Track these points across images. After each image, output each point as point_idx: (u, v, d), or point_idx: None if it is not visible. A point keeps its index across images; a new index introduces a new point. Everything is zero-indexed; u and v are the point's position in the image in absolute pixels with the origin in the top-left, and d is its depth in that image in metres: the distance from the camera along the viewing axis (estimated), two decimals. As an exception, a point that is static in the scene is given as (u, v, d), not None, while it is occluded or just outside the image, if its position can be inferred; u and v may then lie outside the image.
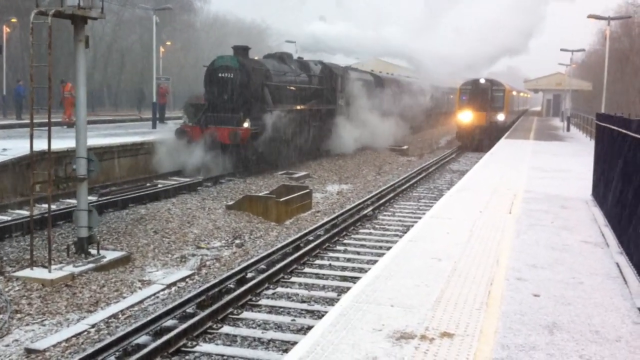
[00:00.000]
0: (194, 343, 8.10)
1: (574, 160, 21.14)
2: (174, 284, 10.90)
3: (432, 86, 53.73)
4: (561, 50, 45.73)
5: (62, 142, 17.77)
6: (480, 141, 35.77)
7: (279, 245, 12.59)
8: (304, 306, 9.59)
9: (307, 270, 11.56)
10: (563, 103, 56.28)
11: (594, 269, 7.80)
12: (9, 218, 14.27)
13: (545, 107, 72.31)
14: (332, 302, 9.53)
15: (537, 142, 29.77)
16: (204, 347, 8.05)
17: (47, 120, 11.29)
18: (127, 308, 9.62)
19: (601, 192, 11.82)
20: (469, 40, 36.97)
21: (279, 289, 10.40)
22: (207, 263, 12.27)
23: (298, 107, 25.91)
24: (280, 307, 9.52)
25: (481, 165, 19.77)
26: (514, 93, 47.97)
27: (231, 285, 10.23)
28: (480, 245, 8.89)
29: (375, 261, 9.34)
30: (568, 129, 40.51)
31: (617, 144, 9.86)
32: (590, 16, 31.43)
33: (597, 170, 12.86)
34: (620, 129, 9.51)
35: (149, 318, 8.50)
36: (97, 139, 21.27)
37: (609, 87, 33.53)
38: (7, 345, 8.24)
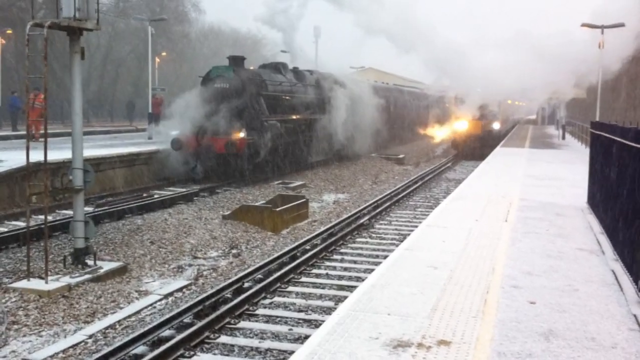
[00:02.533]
0: (192, 353, 8.11)
1: (569, 168, 21.20)
2: (170, 294, 10.90)
3: (431, 95, 53.79)
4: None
5: (59, 153, 17.78)
6: (476, 150, 35.86)
7: (276, 255, 12.62)
8: (301, 315, 9.61)
9: (304, 279, 11.58)
10: (558, 111, 56.42)
11: (589, 276, 7.83)
12: (6, 229, 14.25)
13: (540, 116, 72.44)
14: (329, 311, 9.55)
15: (532, 150, 29.85)
16: (202, 357, 8.06)
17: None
18: (124, 318, 9.62)
19: (596, 199, 11.86)
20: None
21: (276, 299, 10.41)
22: (204, 273, 12.28)
23: (293, 117, 25.98)
24: (278, 317, 9.53)
25: (477, 173, 19.82)
26: (509, 101, 48.12)
27: (228, 295, 10.24)
28: (476, 253, 8.92)
29: (372, 270, 9.36)
30: (563, 137, 40.62)
31: (611, 151, 9.91)
32: (583, 25, 31.55)
33: (592, 178, 12.91)
34: (614, 137, 9.57)
35: (146, 328, 8.52)
36: (93, 149, 21.28)
37: (603, 95, 33.60)
38: (5, 357, 8.23)
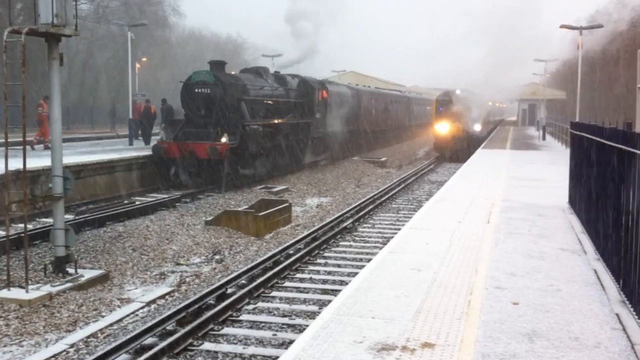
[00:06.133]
0: (175, 360, 8.04)
1: (550, 169, 21.34)
2: (153, 301, 10.80)
3: (412, 97, 54.06)
4: (535, 60, 46.35)
5: (38, 160, 17.59)
6: (458, 152, 36.04)
7: (259, 260, 12.56)
8: (285, 320, 9.57)
9: (287, 284, 11.54)
10: (538, 112, 56.90)
11: (571, 276, 7.86)
12: (-15, 238, 14.05)
13: (520, 117, 73.00)
14: (313, 315, 9.52)
15: (513, 151, 30.03)
16: (185, 364, 7.99)
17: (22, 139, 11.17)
18: (106, 327, 9.52)
19: (577, 199, 11.94)
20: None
21: (260, 304, 10.36)
22: (187, 279, 12.19)
23: (275, 121, 25.94)
24: (262, 322, 9.49)
25: (459, 175, 19.90)
26: (490, 103, 48.43)
27: (211, 301, 10.17)
28: (460, 255, 8.94)
29: (356, 273, 9.34)
30: (544, 138, 40.93)
31: (591, 151, 9.98)
32: (562, 26, 31.87)
33: (572, 178, 12.99)
34: (592, 137, 9.63)
35: (128, 336, 8.43)
36: (74, 156, 21.10)
37: (583, 95, 33.93)
38: (-16, 368, 8.12)
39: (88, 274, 11.76)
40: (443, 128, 37.46)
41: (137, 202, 19.39)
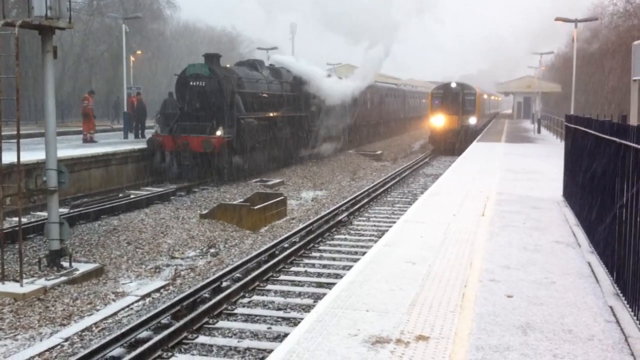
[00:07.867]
0: (169, 354, 8.04)
1: (544, 162, 21.36)
2: (148, 295, 10.81)
3: (408, 91, 54.04)
4: (531, 53, 46.37)
5: (32, 154, 17.53)
6: (452, 144, 36.06)
7: (254, 254, 12.55)
8: (280, 314, 9.58)
9: (282, 277, 11.55)
10: (533, 105, 56.93)
11: (566, 269, 7.87)
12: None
13: (516, 110, 73.05)
14: (308, 308, 9.52)
15: (508, 144, 30.04)
16: (180, 357, 8.00)
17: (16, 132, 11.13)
18: (101, 320, 9.53)
19: (572, 192, 11.95)
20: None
21: (255, 297, 10.36)
22: (182, 273, 12.19)
23: (271, 114, 25.90)
24: (256, 316, 9.49)
25: (454, 168, 19.90)
26: (485, 96, 48.43)
27: (206, 295, 10.17)
28: (454, 248, 8.94)
29: (351, 266, 9.34)
30: (539, 131, 40.94)
31: (585, 144, 9.98)
32: (557, 19, 31.86)
33: (567, 171, 13.00)
34: (587, 130, 9.64)
35: (123, 330, 8.43)
36: (68, 150, 21.03)
37: (578, 89, 33.94)
38: (-22, 362, 8.11)
39: (83, 268, 11.75)
40: (438, 121, 37.46)
41: (132, 196, 19.36)
